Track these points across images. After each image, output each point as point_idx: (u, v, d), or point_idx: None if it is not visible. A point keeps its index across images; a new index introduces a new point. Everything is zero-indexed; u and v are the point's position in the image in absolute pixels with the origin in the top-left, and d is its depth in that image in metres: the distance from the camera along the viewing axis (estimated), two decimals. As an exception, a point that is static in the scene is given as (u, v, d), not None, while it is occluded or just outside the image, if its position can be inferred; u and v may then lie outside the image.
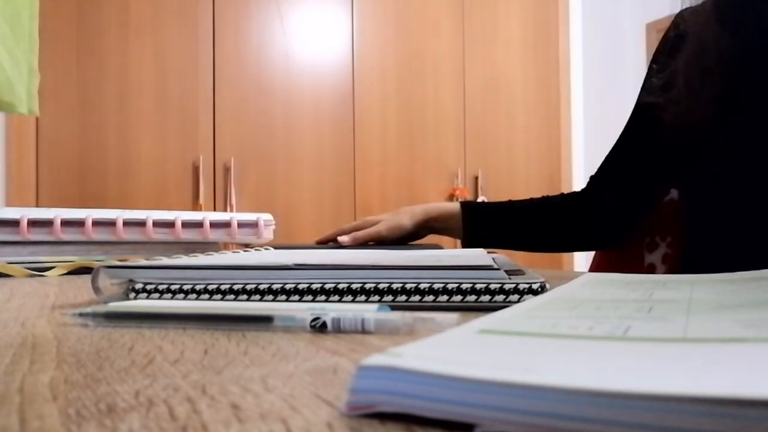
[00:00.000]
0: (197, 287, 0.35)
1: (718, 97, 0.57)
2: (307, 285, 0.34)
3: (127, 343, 0.24)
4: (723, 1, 0.57)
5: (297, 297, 0.34)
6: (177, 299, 0.35)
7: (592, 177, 0.77)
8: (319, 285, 0.34)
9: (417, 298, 0.33)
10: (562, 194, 0.80)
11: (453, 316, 0.25)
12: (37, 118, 1.87)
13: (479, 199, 2.55)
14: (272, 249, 0.66)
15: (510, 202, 0.78)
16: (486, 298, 0.32)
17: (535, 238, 0.78)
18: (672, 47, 0.63)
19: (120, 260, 0.61)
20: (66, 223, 0.70)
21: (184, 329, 0.27)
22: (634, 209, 0.74)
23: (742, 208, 0.58)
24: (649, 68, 0.71)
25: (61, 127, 1.91)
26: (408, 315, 0.25)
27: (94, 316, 0.28)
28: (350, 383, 0.14)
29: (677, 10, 0.66)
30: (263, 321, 0.27)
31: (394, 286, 0.33)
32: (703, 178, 0.62)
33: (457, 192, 2.51)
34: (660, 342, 0.17)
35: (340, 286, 0.34)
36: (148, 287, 0.36)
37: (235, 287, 0.35)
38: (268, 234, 0.82)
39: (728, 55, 0.55)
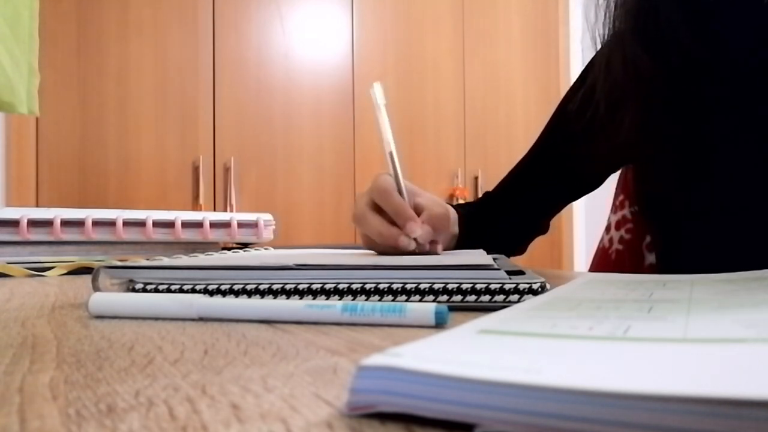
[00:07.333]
0: (197, 287, 0.35)
1: (639, 120, 0.57)
2: (307, 285, 0.34)
3: (127, 343, 0.24)
4: (641, 26, 0.57)
5: (297, 297, 0.34)
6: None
7: (486, 194, 0.76)
8: (320, 285, 0.34)
9: (417, 298, 0.33)
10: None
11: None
12: (37, 118, 1.87)
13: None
14: (272, 249, 0.66)
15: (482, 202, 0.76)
16: (486, 298, 0.32)
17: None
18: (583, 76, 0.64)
19: (120, 260, 0.61)
20: (66, 223, 0.70)
21: (184, 329, 0.27)
22: (530, 231, 0.77)
23: (714, 210, 0.57)
24: (564, 105, 0.71)
25: (61, 127, 1.91)
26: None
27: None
28: (350, 383, 0.14)
29: None
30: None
31: (395, 286, 0.33)
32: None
33: (457, 192, 2.51)
34: (660, 342, 0.17)
35: (341, 287, 0.34)
36: (148, 287, 0.36)
37: (235, 287, 0.35)
38: (268, 234, 0.82)
39: (648, 76, 0.55)
